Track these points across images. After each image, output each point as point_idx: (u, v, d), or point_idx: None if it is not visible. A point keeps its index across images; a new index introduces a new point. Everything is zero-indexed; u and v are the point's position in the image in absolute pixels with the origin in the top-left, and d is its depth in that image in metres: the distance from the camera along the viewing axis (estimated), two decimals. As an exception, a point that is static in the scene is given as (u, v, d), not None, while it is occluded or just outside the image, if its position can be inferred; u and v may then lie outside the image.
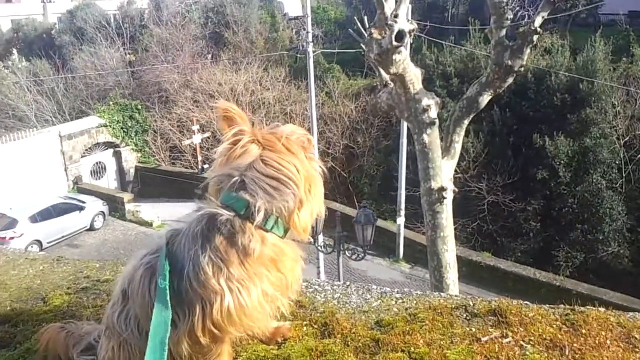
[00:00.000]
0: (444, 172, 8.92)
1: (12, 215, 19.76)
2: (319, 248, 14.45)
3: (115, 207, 23.10)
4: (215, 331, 1.61)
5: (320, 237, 14.64)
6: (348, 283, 2.45)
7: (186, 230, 1.66)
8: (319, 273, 15.60)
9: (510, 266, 16.90)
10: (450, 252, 9.14)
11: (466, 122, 9.20)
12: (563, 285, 15.58)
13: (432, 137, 8.70)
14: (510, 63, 8.32)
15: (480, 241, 18.96)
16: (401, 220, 18.41)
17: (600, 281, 16.56)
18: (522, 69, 8.75)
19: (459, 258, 9.96)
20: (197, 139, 23.94)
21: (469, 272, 15.83)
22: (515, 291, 15.01)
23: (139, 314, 1.75)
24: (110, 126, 25.33)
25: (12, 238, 18.56)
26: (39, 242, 19.61)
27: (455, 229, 10.05)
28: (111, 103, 26.01)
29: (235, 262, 1.56)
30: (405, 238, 18.67)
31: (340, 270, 13.86)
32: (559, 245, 17.94)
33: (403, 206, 18.30)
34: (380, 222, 17.68)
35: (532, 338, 1.84)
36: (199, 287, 1.58)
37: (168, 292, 1.61)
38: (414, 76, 8.19)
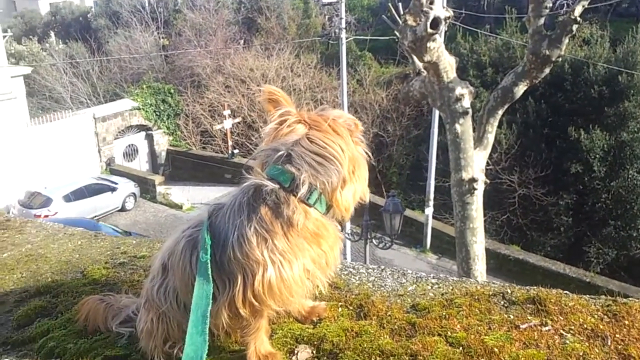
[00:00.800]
0: (476, 163, 8.81)
1: (46, 194, 20.27)
2: (346, 235, 14.47)
3: (146, 189, 23.45)
4: (255, 303, 1.63)
5: (348, 225, 14.65)
6: (382, 267, 2.45)
7: (231, 202, 1.69)
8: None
9: (539, 260, 16.68)
10: (479, 243, 9.06)
11: (500, 112, 9.07)
12: (593, 282, 15.31)
13: (465, 127, 8.60)
14: (547, 52, 8.15)
15: (509, 234, 18.75)
16: (429, 211, 18.29)
17: (631, 279, 16.23)
18: (560, 59, 8.57)
19: (487, 250, 9.86)
20: (228, 123, 24.08)
21: (497, 265, 15.67)
22: (543, 285, 14.56)
23: (178, 287, 1.78)
24: (143, 109, 25.63)
25: (46, 216, 18.98)
26: (72, 221, 20.06)
27: (485, 221, 9.94)
28: (144, 86, 26.31)
29: (279, 234, 1.58)
30: (432, 228, 18.56)
31: (367, 258, 13.87)
32: (590, 241, 17.63)
33: (432, 196, 18.17)
34: (408, 212, 17.62)
35: (572, 327, 1.81)
36: (242, 257, 1.60)
37: (209, 265, 1.63)
38: (448, 64, 8.07)
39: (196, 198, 22.65)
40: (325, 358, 1.78)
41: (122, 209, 22.28)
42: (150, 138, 26.43)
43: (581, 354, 1.66)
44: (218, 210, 1.72)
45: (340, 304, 2.10)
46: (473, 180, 8.69)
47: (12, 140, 20.57)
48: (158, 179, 24.03)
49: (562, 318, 1.86)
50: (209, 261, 1.64)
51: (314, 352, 1.82)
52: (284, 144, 1.63)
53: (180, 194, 23.48)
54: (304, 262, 1.62)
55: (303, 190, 1.58)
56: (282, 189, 1.60)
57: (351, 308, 2.07)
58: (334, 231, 1.71)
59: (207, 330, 1.62)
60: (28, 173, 20.66)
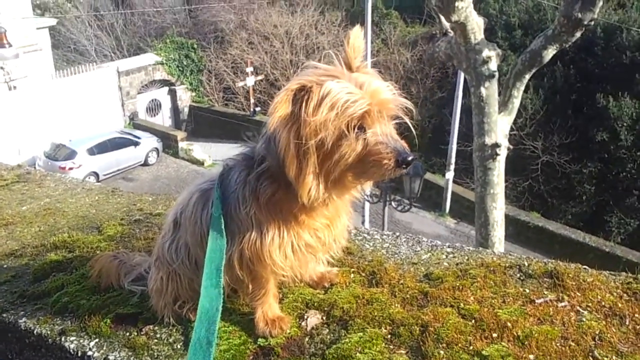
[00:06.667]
0: (499, 128, 8.67)
1: (71, 147, 20.51)
2: (365, 197, 14.42)
3: (168, 144, 23.63)
4: (250, 264, 1.64)
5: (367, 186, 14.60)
6: (397, 233, 2.40)
7: (238, 163, 1.70)
8: (363, 222, 15.64)
9: (559, 228, 16.51)
10: (498, 209, 8.97)
11: (527, 76, 8.86)
12: (612, 251, 15.16)
13: (490, 91, 8.43)
14: (579, 15, 7.84)
15: (530, 201, 18.56)
16: (450, 175, 18.14)
17: (653, 250, 16.03)
18: (592, 23, 8.27)
19: (506, 216, 9.78)
20: (250, 81, 23.93)
21: (515, 232, 15.56)
22: (561, 254, 14.35)
23: (189, 241, 1.77)
24: (166, 64, 25.58)
25: (71, 168, 19.28)
26: (96, 174, 20.33)
27: (506, 187, 9.82)
28: (168, 41, 26.17)
29: (258, 203, 1.60)
30: (452, 193, 18.44)
31: (385, 220, 13.86)
32: (612, 210, 17.39)
33: (453, 160, 17.99)
34: (429, 175, 17.52)
35: (590, 304, 1.76)
36: (236, 218, 1.63)
37: (222, 220, 1.64)
38: (476, 25, 7.86)
39: (217, 155, 22.69)
40: (335, 324, 1.77)
41: (145, 164, 22.50)
42: (173, 93, 26.43)
43: (597, 332, 1.62)
44: (230, 170, 1.72)
45: (352, 270, 2.07)
46: (496, 145, 8.56)
47: (37, 92, 20.74)
48: (180, 134, 24.15)
49: (579, 294, 1.81)
50: (221, 216, 1.65)
51: (324, 318, 1.81)
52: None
53: (202, 150, 23.59)
54: (283, 236, 1.60)
55: (261, 167, 1.59)
56: (261, 162, 1.60)
57: (363, 275, 2.04)
58: (333, 212, 1.67)
59: (222, 284, 1.62)
60: (53, 125, 20.89)
